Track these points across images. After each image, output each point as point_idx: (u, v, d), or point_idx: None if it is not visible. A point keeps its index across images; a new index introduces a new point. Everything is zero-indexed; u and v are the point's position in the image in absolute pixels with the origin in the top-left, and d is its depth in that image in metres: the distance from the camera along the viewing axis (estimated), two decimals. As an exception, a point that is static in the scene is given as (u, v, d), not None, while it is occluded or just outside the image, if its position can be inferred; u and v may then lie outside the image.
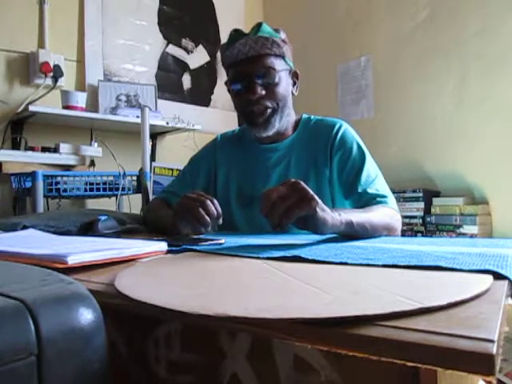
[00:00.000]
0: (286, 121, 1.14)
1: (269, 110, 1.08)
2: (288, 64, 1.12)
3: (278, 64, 1.08)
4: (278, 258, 0.59)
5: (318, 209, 0.72)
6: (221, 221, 0.91)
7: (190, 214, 0.88)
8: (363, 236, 0.84)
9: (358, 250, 0.65)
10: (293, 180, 0.74)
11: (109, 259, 0.59)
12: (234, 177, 1.21)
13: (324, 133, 1.14)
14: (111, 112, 2.25)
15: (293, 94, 1.16)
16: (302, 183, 0.73)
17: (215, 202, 0.90)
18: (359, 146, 1.11)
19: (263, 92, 1.06)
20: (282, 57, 1.10)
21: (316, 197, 0.73)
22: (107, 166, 2.04)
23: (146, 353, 0.46)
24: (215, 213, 0.89)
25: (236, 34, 1.08)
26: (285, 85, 1.11)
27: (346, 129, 1.14)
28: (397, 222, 0.97)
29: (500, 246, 0.64)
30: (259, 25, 1.07)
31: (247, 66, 1.06)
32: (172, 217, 0.93)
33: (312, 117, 1.21)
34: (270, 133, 1.12)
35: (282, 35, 1.11)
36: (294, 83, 1.17)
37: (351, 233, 0.81)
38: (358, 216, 0.82)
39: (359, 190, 1.03)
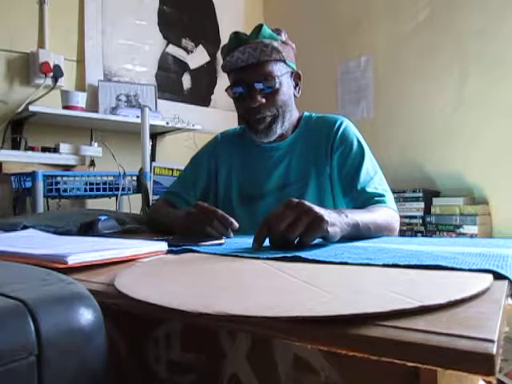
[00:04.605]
0: (287, 124, 1.14)
1: (269, 118, 1.08)
2: (289, 66, 1.11)
3: (277, 69, 1.07)
4: (278, 258, 0.59)
5: (329, 228, 0.69)
6: (231, 234, 0.88)
7: (199, 230, 0.87)
8: (367, 237, 0.83)
9: (358, 249, 0.65)
10: (295, 201, 0.71)
11: (109, 259, 0.59)
12: (236, 175, 1.21)
13: (325, 130, 1.14)
14: (111, 112, 2.25)
15: (295, 96, 1.15)
16: (306, 203, 0.70)
17: (224, 217, 0.87)
18: (359, 143, 1.11)
19: (263, 100, 1.06)
20: (283, 61, 1.08)
21: (322, 212, 0.70)
22: (107, 166, 2.04)
23: (145, 353, 0.46)
24: (222, 230, 0.87)
25: (235, 39, 1.07)
26: (285, 89, 1.10)
27: (347, 125, 1.14)
28: (396, 222, 0.97)
29: (500, 246, 0.64)
30: (259, 28, 1.06)
31: (246, 73, 1.05)
32: (180, 224, 0.93)
33: (313, 114, 1.21)
34: (272, 139, 1.12)
35: (283, 36, 1.10)
36: (297, 84, 1.16)
37: (356, 234, 0.81)
38: (362, 217, 0.82)
39: (358, 187, 1.03)
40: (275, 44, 1.05)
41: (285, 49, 1.08)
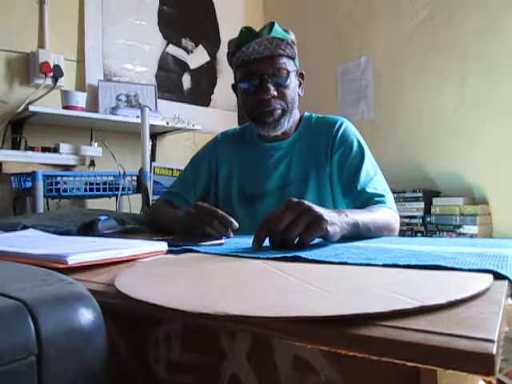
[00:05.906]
0: (292, 121, 1.14)
1: (278, 111, 1.08)
2: (296, 65, 1.13)
3: (289, 65, 1.09)
4: (278, 258, 0.59)
5: (329, 227, 0.69)
6: (231, 234, 0.88)
7: (198, 230, 0.86)
8: (367, 237, 0.83)
9: (358, 250, 0.65)
10: (295, 200, 0.70)
11: (109, 259, 0.59)
12: (236, 175, 1.21)
13: (325, 130, 1.15)
14: (111, 112, 2.25)
15: (299, 94, 1.16)
16: (305, 202, 0.70)
17: (224, 217, 0.87)
18: (359, 144, 1.11)
19: (275, 93, 1.07)
20: (293, 58, 1.10)
21: (322, 211, 0.69)
22: (107, 166, 2.04)
23: (145, 353, 0.46)
24: (222, 231, 0.86)
25: (248, 33, 1.07)
26: (294, 86, 1.11)
27: (347, 126, 1.15)
28: (396, 222, 0.97)
29: (500, 246, 0.64)
30: (272, 24, 1.07)
31: (261, 65, 1.06)
32: (180, 224, 0.93)
33: (313, 115, 1.22)
34: (279, 132, 1.13)
35: (292, 36, 1.12)
36: (300, 84, 1.17)
37: (356, 234, 0.80)
38: (362, 217, 0.82)
39: (358, 188, 1.03)
40: (288, 40, 1.07)
41: (294, 48, 1.10)
